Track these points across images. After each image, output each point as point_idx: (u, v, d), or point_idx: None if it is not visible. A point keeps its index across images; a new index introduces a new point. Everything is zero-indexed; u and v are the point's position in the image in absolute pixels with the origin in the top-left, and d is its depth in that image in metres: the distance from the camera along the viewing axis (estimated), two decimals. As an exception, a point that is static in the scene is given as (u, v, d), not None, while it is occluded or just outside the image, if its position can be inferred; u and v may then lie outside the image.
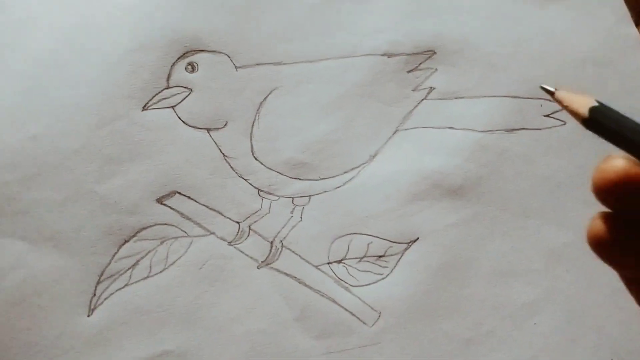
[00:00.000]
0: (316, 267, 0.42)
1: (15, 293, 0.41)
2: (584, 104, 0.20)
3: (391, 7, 0.49)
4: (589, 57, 0.48)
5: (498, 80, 0.47)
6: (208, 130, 0.45)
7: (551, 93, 0.21)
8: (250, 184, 0.44)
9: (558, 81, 0.46)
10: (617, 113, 0.20)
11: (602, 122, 0.20)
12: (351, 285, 0.42)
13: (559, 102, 0.21)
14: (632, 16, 0.49)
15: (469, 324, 0.41)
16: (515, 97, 0.46)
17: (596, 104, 0.20)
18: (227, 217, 0.43)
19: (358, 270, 0.42)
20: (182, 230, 0.43)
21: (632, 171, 0.19)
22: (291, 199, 0.44)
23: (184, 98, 0.45)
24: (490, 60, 0.48)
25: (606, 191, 0.19)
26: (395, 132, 0.45)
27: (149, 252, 0.42)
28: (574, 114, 0.21)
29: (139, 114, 0.45)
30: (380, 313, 0.41)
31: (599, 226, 0.20)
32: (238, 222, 0.43)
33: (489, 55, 0.48)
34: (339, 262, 0.42)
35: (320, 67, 0.47)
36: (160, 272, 0.42)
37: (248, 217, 0.43)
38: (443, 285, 0.42)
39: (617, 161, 0.19)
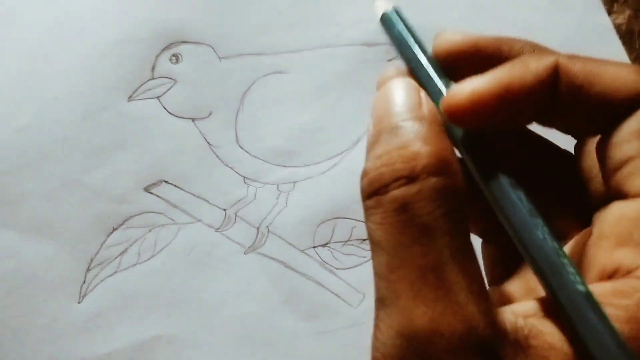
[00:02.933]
0: (302, 251, 0.43)
1: (5, 282, 0.41)
2: (382, 7, 0.24)
3: (370, -2, 0.50)
4: (562, 46, 0.49)
5: (475, 68, 0.48)
6: (193, 120, 0.46)
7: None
8: (236, 172, 0.45)
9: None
10: (406, 22, 0.24)
11: (389, 25, 0.24)
12: (336, 268, 0.43)
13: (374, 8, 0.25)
14: (604, 5, 0.51)
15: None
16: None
17: (389, 9, 0.24)
18: (214, 205, 0.44)
19: (342, 253, 0.44)
20: (169, 218, 0.43)
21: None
22: (276, 185, 0.45)
23: (169, 89, 0.46)
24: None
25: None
26: (376, 120, 0.46)
27: (137, 239, 0.43)
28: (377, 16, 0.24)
29: (125, 105, 0.45)
30: (364, 294, 0.43)
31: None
32: (224, 209, 0.44)
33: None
34: (324, 246, 0.44)
35: (302, 57, 0.48)
36: (149, 259, 0.43)
37: (234, 204, 0.44)
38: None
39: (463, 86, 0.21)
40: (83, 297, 0.41)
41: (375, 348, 0.19)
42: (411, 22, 0.24)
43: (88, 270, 0.42)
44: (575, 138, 0.24)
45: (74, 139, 0.44)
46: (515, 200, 0.20)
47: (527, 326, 0.18)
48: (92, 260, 0.42)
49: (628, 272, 0.19)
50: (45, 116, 0.45)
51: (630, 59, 0.49)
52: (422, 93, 0.21)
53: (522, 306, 0.20)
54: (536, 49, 0.22)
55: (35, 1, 0.48)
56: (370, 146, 0.20)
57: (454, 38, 0.22)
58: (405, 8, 0.49)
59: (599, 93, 0.21)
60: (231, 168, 0.45)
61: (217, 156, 0.45)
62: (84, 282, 0.42)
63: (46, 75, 0.46)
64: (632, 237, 0.20)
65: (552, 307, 0.19)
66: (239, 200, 0.44)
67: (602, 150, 0.21)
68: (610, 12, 0.51)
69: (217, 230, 0.44)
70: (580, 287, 0.18)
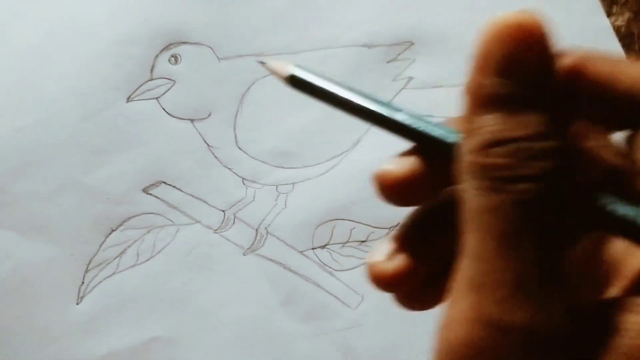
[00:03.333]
0: (300, 252, 0.43)
1: (4, 283, 0.41)
2: (284, 71, 0.23)
3: (370, -1, 0.50)
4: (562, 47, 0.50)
5: (474, 70, 0.48)
6: (192, 120, 0.45)
7: (263, 64, 0.25)
8: (235, 173, 0.45)
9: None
10: (312, 75, 0.23)
11: (300, 84, 0.23)
12: (335, 270, 0.43)
13: (269, 70, 0.24)
14: (603, 7, 0.51)
15: (450, 305, 0.42)
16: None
17: (293, 72, 0.23)
18: (212, 206, 0.44)
19: (341, 255, 0.44)
20: (168, 219, 0.43)
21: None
22: (275, 186, 0.45)
23: (168, 89, 0.46)
24: (467, 50, 0.49)
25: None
26: (375, 121, 0.46)
27: (136, 240, 0.43)
28: (279, 79, 0.24)
29: (124, 106, 0.45)
30: (363, 296, 0.43)
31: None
32: (223, 211, 0.44)
33: (466, 45, 0.49)
34: (323, 247, 0.44)
35: (301, 58, 0.48)
36: (148, 260, 0.43)
37: (233, 206, 0.44)
38: (424, 269, 0.43)
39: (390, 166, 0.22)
40: (82, 298, 0.41)
41: (449, 329, 0.18)
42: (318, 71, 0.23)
43: (87, 271, 0.42)
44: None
45: (72, 140, 0.44)
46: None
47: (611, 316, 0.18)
48: (90, 261, 0.42)
49: None
50: (44, 117, 0.45)
51: (630, 61, 0.49)
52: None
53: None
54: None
55: (35, 2, 0.48)
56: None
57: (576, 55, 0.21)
58: (404, 10, 0.49)
59: (620, 93, 0.20)
60: (230, 169, 0.45)
61: (216, 157, 0.45)
62: (83, 283, 0.42)
63: (45, 76, 0.45)
64: None
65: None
66: (238, 202, 0.44)
67: (628, 151, 0.21)
68: (609, 14, 0.51)
69: (216, 231, 0.44)
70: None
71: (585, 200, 0.19)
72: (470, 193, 0.18)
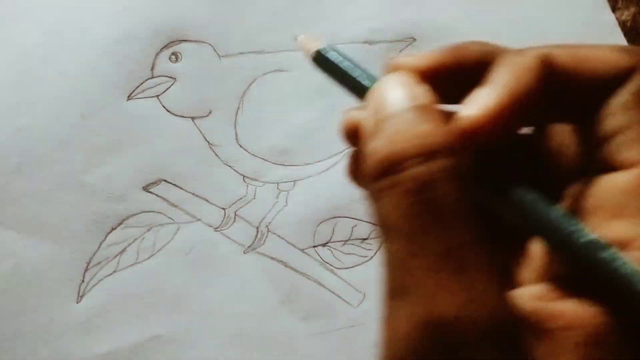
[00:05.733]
0: (302, 250, 0.43)
1: (4, 281, 0.41)
2: (313, 46, 0.23)
3: (372, -5, 0.50)
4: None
5: (477, 66, 0.48)
6: (193, 118, 0.45)
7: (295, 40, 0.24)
8: (236, 171, 0.44)
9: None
10: (339, 56, 0.23)
11: (324, 63, 0.23)
12: (336, 268, 0.43)
13: (299, 46, 0.24)
14: (609, 2, 0.50)
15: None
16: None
17: (322, 46, 0.23)
18: (213, 204, 0.44)
19: (343, 252, 0.43)
20: (168, 217, 0.43)
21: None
22: (276, 184, 0.44)
23: (168, 87, 0.46)
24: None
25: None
26: (377, 118, 0.46)
27: (136, 239, 0.43)
28: (307, 55, 0.24)
29: (125, 104, 0.45)
30: (364, 294, 0.42)
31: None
32: (224, 209, 0.44)
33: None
34: (324, 245, 0.43)
35: (302, 56, 0.47)
36: (148, 258, 0.42)
37: (234, 203, 0.44)
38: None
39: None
40: (81, 296, 0.41)
41: (389, 342, 0.18)
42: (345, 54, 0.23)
43: (87, 269, 0.42)
44: (564, 123, 0.23)
45: (73, 138, 0.44)
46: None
47: (548, 308, 0.18)
48: (90, 259, 0.42)
49: (626, 244, 0.19)
50: (45, 116, 0.45)
51: (635, 56, 0.48)
52: (420, 86, 0.20)
53: (539, 288, 0.19)
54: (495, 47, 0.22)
55: (35, 1, 0.48)
56: (373, 133, 0.19)
57: (432, 56, 0.22)
58: (406, 6, 0.49)
59: (586, 77, 0.21)
60: (231, 167, 0.45)
61: (217, 155, 0.45)
62: (83, 281, 0.42)
63: (45, 75, 0.45)
64: (627, 208, 0.19)
65: (572, 282, 0.19)
66: (239, 200, 0.44)
67: (588, 127, 0.21)
68: (614, 9, 0.50)
69: (216, 229, 0.43)
70: (589, 236, 0.18)
71: (500, 194, 0.20)
72: (372, 199, 0.19)
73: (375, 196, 0.19)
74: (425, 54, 0.22)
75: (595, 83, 0.21)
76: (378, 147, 0.19)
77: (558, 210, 0.19)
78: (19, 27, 0.47)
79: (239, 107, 0.46)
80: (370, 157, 0.19)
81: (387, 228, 0.18)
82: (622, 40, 0.49)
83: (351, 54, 0.47)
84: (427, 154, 0.18)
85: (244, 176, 0.44)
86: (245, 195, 0.44)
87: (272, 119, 0.46)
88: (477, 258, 0.17)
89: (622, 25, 0.49)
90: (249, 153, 0.45)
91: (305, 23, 0.48)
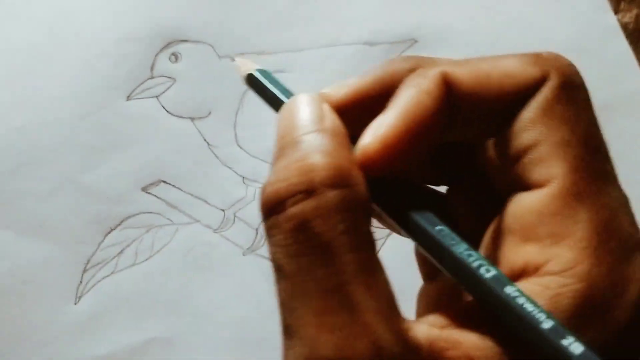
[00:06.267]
0: (301, 252, 0.43)
1: (2, 282, 0.41)
2: (246, 69, 0.24)
3: (372, -4, 0.49)
4: (568, 45, 0.49)
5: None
6: (192, 119, 0.45)
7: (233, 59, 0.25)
8: (235, 172, 0.44)
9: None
10: (268, 80, 0.23)
11: (255, 84, 0.24)
12: (335, 270, 0.43)
13: (234, 68, 0.24)
14: (610, 4, 0.50)
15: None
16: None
17: (254, 70, 0.23)
18: (212, 205, 0.44)
19: (342, 255, 0.43)
20: (167, 218, 0.43)
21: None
22: (275, 186, 0.44)
23: (168, 88, 0.45)
24: (471, 48, 0.48)
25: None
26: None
27: (134, 240, 0.42)
28: (240, 77, 0.24)
29: (124, 104, 0.45)
30: (364, 297, 0.42)
31: None
32: (223, 210, 0.44)
33: (469, 43, 0.48)
34: (323, 247, 0.43)
35: (302, 57, 0.47)
36: (146, 260, 0.42)
37: (233, 205, 0.44)
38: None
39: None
40: (79, 298, 0.41)
41: None
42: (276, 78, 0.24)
43: (85, 270, 0.42)
44: (474, 143, 0.22)
45: (71, 139, 0.44)
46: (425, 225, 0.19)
47: (443, 337, 0.17)
48: (89, 260, 0.42)
49: (536, 269, 0.18)
50: (43, 116, 0.44)
51: (637, 58, 0.48)
52: (325, 106, 0.20)
53: (437, 317, 0.19)
54: (412, 64, 0.21)
55: (35, 2, 0.48)
56: (272, 164, 0.19)
57: (336, 96, 0.21)
58: (406, 7, 0.49)
59: (491, 93, 0.20)
60: (230, 168, 0.44)
61: (216, 156, 0.45)
62: (81, 282, 0.41)
63: (44, 75, 0.45)
64: (537, 230, 0.19)
65: (474, 312, 0.18)
66: (238, 201, 0.44)
67: (500, 145, 0.21)
68: (617, 11, 0.50)
69: (215, 231, 0.43)
70: (491, 272, 0.18)
71: (402, 224, 0.20)
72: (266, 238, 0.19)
73: (266, 235, 0.18)
74: (343, 85, 0.21)
75: (503, 98, 0.20)
76: (266, 184, 0.19)
77: (461, 243, 0.19)
78: (18, 27, 0.47)
79: (238, 108, 0.45)
80: (261, 194, 0.19)
81: (275, 268, 0.18)
82: (623, 43, 0.49)
83: (351, 55, 0.47)
84: (308, 190, 0.17)
85: (243, 177, 0.44)
86: (245, 197, 0.44)
87: (271, 120, 0.45)
88: (361, 292, 0.17)
89: (624, 27, 0.49)
90: (249, 154, 0.45)
91: (305, 23, 0.48)
